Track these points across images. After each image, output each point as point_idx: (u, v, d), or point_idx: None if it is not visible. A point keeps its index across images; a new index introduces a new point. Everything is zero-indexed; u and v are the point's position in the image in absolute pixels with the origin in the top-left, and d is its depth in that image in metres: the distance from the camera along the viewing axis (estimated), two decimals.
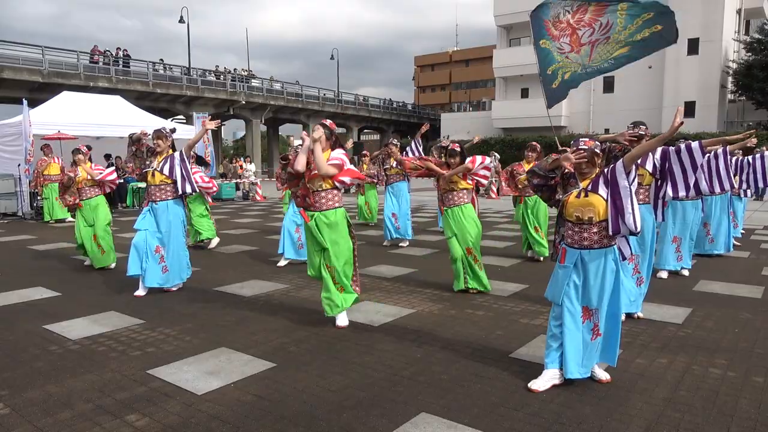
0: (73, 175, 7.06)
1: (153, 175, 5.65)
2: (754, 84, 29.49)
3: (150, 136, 5.81)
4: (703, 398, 3.17)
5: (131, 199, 15.98)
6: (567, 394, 3.23)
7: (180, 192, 5.72)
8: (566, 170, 3.34)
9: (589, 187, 3.27)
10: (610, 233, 3.23)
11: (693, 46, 31.81)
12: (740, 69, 30.58)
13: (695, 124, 28.96)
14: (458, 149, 5.61)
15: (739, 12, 33.95)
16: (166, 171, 5.63)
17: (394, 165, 8.91)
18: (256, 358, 3.82)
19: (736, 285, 6.01)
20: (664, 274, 6.34)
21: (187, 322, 4.68)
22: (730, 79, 32.21)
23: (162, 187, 5.67)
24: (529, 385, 3.30)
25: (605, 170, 3.26)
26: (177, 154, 5.68)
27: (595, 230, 3.24)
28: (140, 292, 5.65)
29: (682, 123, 3.05)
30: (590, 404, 3.09)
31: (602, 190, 3.23)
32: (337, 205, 4.50)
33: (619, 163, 3.21)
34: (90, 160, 7.24)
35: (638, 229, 3.19)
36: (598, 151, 3.30)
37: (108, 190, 7.25)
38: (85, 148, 7.20)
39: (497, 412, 3.00)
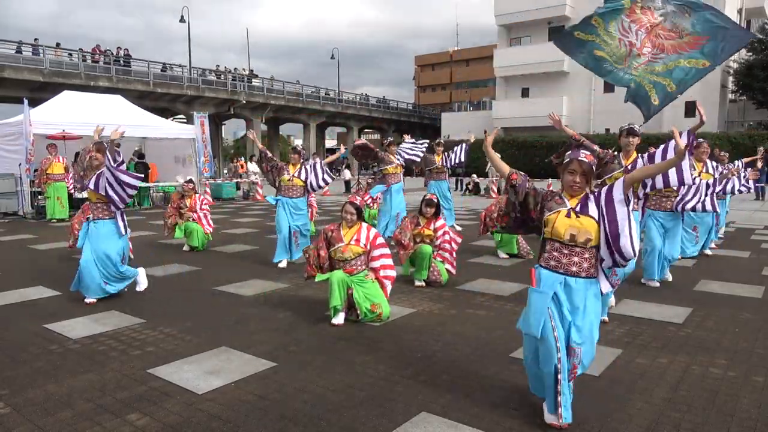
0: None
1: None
2: (754, 84, 29.49)
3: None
4: (703, 398, 3.17)
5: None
6: None
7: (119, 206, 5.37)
8: (547, 189, 3.01)
9: (578, 207, 2.90)
10: (602, 261, 2.89)
11: None
12: (741, 69, 30.55)
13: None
14: (435, 200, 6.19)
15: (739, 12, 33.91)
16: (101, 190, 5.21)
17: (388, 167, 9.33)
18: (257, 357, 3.82)
19: (736, 285, 6.01)
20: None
21: (187, 322, 4.68)
22: (730, 78, 32.19)
23: (99, 205, 5.37)
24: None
25: (595, 192, 2.92)
26: (105, 169, 5.21)
27: (586, 256, 2.87)
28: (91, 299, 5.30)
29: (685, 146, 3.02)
30: (590, 404, 3.09)
31: (593, 212, 2.86)
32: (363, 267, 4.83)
33: (618, 187, 2.84)
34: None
35: (635, 255, 2.83)
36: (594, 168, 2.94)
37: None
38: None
39: (497, 412, 3.01)
